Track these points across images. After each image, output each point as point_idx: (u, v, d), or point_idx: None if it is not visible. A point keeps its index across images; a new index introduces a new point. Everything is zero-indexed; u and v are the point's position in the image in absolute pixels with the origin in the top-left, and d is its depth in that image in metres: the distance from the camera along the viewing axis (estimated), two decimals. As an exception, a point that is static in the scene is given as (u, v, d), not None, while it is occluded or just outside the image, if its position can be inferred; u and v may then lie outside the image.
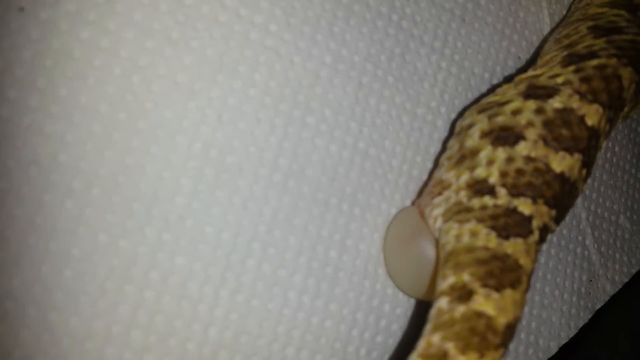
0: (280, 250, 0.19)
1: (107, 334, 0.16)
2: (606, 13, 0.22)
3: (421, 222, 0.20)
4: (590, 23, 0.21)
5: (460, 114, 0.22)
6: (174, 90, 0.17)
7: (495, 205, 0.18)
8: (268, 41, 0.19)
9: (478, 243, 0.17)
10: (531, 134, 0.18)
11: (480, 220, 0.18)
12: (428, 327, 0.16)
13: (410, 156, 0.21)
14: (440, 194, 0.19)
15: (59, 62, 0.16)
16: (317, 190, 0.19)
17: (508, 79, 0.24)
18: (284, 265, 0.19)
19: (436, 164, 0.22)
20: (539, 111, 0.18)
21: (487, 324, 0.16)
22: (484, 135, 0.19)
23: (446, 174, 0.19)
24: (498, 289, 0.16)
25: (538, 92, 0.19)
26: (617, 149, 0.28)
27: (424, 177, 0.22)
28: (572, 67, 0.19)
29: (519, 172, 0.18)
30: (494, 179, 0.18)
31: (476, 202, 0.18)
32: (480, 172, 0.18)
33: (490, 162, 0.18)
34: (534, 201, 0.18)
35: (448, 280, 0.17)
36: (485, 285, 0.16)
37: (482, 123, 0.19)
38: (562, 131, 0.18)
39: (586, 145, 0.18)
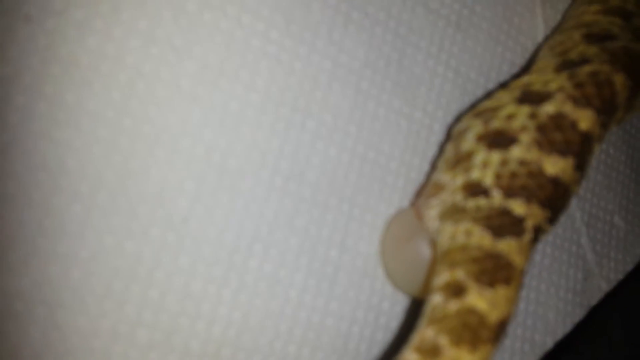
0: (282, 251, 0.19)
1: (114, 332, 0.17)
2: (600, 20, 0.22)
3: (418, 223, 0.20)
4: (584, 30, 0.21)
5: (457, 118, 0.23)
6: (178, 96, 0.18)
7: (490, 206, 0.18)
8: (269, 47, 0.19)
9: (472, 242, 0.18)
10: (525, 137, 0.19)
11: (474, 221, 0.18)
12: (422, 321, 0.17)
13: (408, 159, 0.22)
14: (436, 195, 0.20)
15: (66, 70, 0.16)
16: (317, 192, 0.20)
17: (503, 84, 0.24)
18: (285, 265, 0.19)
19: (431, 166, 0.22)
20: (533, 116, 0.19)
21: (480, 319, 0.16)
22: (480, 138, 0.19)
23: (442, 176, 0.20)
24: (491, 285, 0.17)
25: (532, 98, 0.19)
26: (611, 150, 0.29)
27: (422, 179, 0.22)
28: (565, 73, 0.20)
29: (513, 174, 0.18)
30: (488, 181, 0.18)
31: (471, 203, 0.18)
32: (475, 175, 0.19)
33: (485, 165, 0.19)
34: (528, 202, 0.18)
35: (442, 277, 0.17)
36: (478, 282, 0.17)
37: (477, 127, 0.20)
38: (555, 135, 0.18)
39: (579, 149, 0.19)
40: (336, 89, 0.20)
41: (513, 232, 0.18)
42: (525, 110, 0.19)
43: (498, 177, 0.18)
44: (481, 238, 0.18)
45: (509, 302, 0.17)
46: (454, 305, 0.17)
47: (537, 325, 0.25)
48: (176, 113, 0.18)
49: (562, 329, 0.25)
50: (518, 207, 0.18)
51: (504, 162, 0.18)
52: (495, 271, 0.17)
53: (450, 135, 0.21)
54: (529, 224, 0.18)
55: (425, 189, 0.20)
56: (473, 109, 0.21)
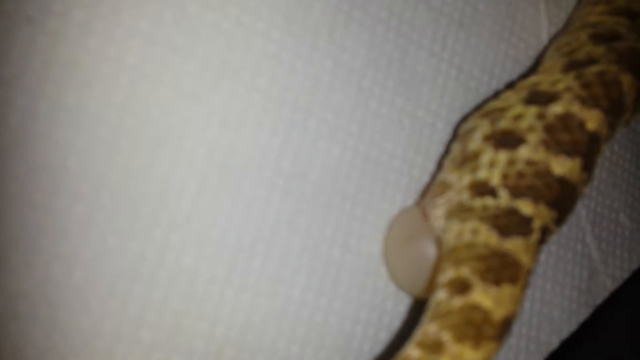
0: (284, 251, 0.19)
1: (117, 332, 0.17)
2: (606, 21, 0.22)
3: (422, 222, 0.20)
4: (591, 31, 0.21)
5: (462, 116, 0.23)
6: (179, 97, 0.18)
7: (497, 206, 0.18)
8: (270, 47, 0.19)
9: (479, 240, 0.18)
10: (532, 138, 0.19)
11: (481, 220, 0.18)
12: (425, 317, 0.17)
13: (411, 157, 0.22)
14: (442, 194, 0.20)
15: (67, 71, 0.16)
16: (320, 192, 0.20)
17: (506, 81, 0.24)
18: (287, 265, 0.19)
19: (438, 165, 0.22)
20: (540, 116, 0.19)
21: (484, 316, 0.16)
22: (486, 138, 0.19)
23: (448, 175, 0.20)
24: (496, 283, 0.17)
25: (539, 98, 0.19)
26: (616, 147, 0.28)
27: (425, 177, 0.22)
28: (572, 74, 0.20)
29: (520, 174, 0.18)
30: (495, 180, 0.18)
31: (478, 203, 0.18)
32: (482, 174, 0.19)
33: (492, 165, 0.19)
34: (535, 202, 0.18)
35: (447, 274, 0.17)
36: (483, 280, 0.17)
37: (484, 127, 0.20)
38: (562, 135, 0.18)
39: (586, 149, 0.19)
40: (338, 88, 0.20)
41: (520, 232, 0.18)
42: (532, 110, 0.19)
43: (505, 177, 0.18)
44: (488, 236, 0.18)
45: (514, 301, 0.17)
46: (458, 302, 0.17)
47: (542, 324, 0.24)
48: (178, 113, 0.18)
49: (567, 328, 0.25)
50: (525, 207, 0.18)
51: (511, 162, 0.18)
52: (501, 269, 0.17)
53: (457, 134, 0.21)
54: (536, 224, 0.18)
55: (431, 188, 0.20)
56: (480, 109, 0.21)
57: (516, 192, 0.18)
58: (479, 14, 0.24)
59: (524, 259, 0.18)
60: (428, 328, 0.16)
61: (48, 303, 0.16)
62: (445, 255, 0.18)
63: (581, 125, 0.19)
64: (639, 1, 0.23)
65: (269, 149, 0.19)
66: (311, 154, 0.20)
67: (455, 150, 0.20)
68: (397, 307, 0.21)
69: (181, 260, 0.18)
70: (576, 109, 0.19)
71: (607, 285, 0.27)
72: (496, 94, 0.24)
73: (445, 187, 0.20)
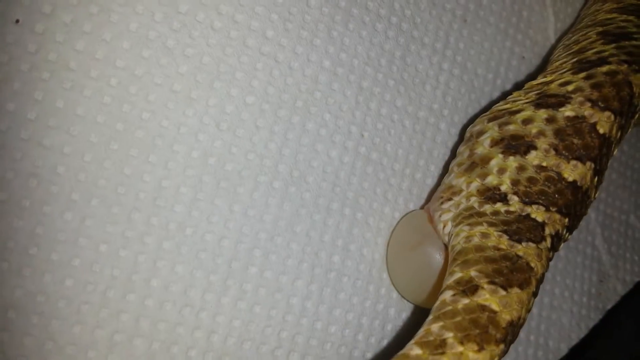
0: (282, 257, 0.19)
1: (110, 342, 0.17)
2: (615, 19, 0.22)
3: (428, 227, 0.19)
4: (600, 29, 0.21)
5: (464, 116, 0.22)
6: (171, 99, 0.17)
7: (508, 212, 0.18)
8: (265, 47, 0.19)
9: (489, 243, 0.17)
10: (542, 143, 0.18)
11: (491, 224, 0.18)
12: (430, 317, 0.16)
13: (413, 159, 0.21)
14: (450, 199, 0.19)
15: (56, 74, 0.16)
16: (319, 196, 0.19)
17: (512, 80, 0.23)
18: (286, 272, 0.19)
19: (443, 168, 0.22)
20: (550, 120, 0.19)
21: (490, 317, 0.16)
22: (495, 143, 0.19)
23: (456, 180, 0.19)
24: (505, 287, 0.16)
25: (549, 101, 0.19)
26: (626, 147, 0.28)
27: (428, 180, 0.21)
28: (582, 74, 0.19)
29: (531, 180, 0.18)
30: (505, 187, 0.18)
31: (488, 208, 0.18)
32: (491, 180, 0.18)
33: (501, 171, 0.18)
34: (547, 209, 0.18)
35: (454, 276, 0.17)
36: (492, 283, 0.16)
37: (492, 131, 0.19)
38: (573, 140, 0.18)
39: (598, 153, 0.18)
40: (336, 89, 0.20)
41: (532, 237, 0.17)
42: (542, 114, 0.19)
43: (515, 183, 0.18)
44: (499, 241, 0.17)
45: (522, 305, 0.17)
46: (463, 302, 0.16)
47: (550, 331, 0.24)
48: (170, 117, 0.17)
49: (576, 334, 0.25)
50: (537, 213, 0.18)
51: (521, 168, 0.18)
52: (511, 273, 0.17)
53: (464, 137, 0.20)
54: (548, 230, 0.18)
55: (438, 193, 0.20)
56: (488, 111, 0.20)
57: (528, 199, 0.18)
58: (483, 10, 0.23)
59: (535, 264, 0.17)
60: (431, 327, 0.16)
61: (40, 313, 0.16)
62: (453, 258, 0.18)
63: (592, 128, 0.18)
64: None
65: (266, 152, 0.19)
66: (310, 158, 0.19)
67: (462, 153, 0.20)
68: (401, 314, 0.21)
69: (175, 268, 0.17)
70: (587, 111, 0.18)
71: (617, 289, 0.26)
72: (501, 93, 0.23)
73: (453, 191, 0.19)
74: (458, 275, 0.17)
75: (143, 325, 0.17)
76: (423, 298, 0.19)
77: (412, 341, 0.16)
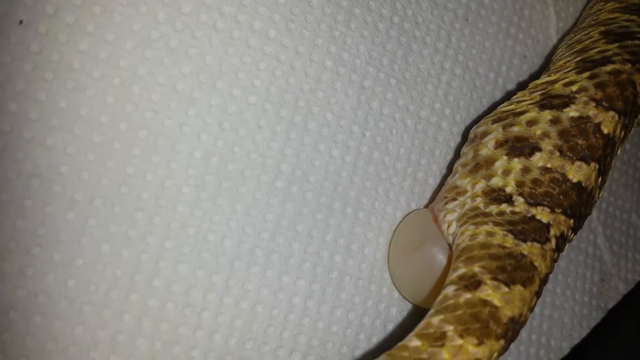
0: (284, 257, 0.19)
1: (113, 342, 0.16)
2: (618, 18, 0.22)
3: (432, 226, 0.19)
4: (602, 28, 0.21)
5: (466, 116, 0.22)
6: (174, 99, 0.17)
7: (513, 212, 0.18)
8: (268, 47, 0.19)
9: (494, 241, 0.17)
10: (547, 144, 0.18)
11: (497, 224, 0.18)
12: (431, 311, 0.16)
13: (415, 159, 0.21)
14: (454, 199, 0.19)
15: (59, 74, 0.16)
16: (321, 196, 0.19)
17: (514, 79, 0.23)
18: (288, 272, 0.19)
19: (446, 167, 0.22)
20: (555, 121, 0.19)
21: (491, 312, 0.16)
22: (499, 145, 0.19)
23: (461, 180, 0.19)
24: (508, 283, 0.16)
25: (554, 102, 0.19)
26: (628, 146, 0.28)
27: (430, 179, 0.21)
28: (586, 74, 0.19)
29: (536, 182, 0.18)
30: (510, 188, 0.18)
31: (494, 209, 0.18)
32: (496, 182, 0.18)
33: (506, 172, 0.18)
34: (552, 210, 0.18)
35: (458, 272, 0.17)
36: (495, 279, 0.16)
37: (496, 133, 0.19)
38: (578, 141, 0.18)
39: (602, 153, 0.18)
40: (338, 88, 0.20)
41: (537, 238, 0.18)
42: (546, 115, 0.19)
43: (520, 184, 0.18)
44: (504, 239, 0.17)
45: (524, 303, 0.17)
46: (465, 296, 0.16)
47: (552, 330, 0.24)
48: (173, 116, 0.17)
49: (578, 333, 0.25)
50: (542, 215, 0.18)
51: (525, 170, 0.18)
52: (515, 271, 0.17)
53: (468, 138, 0.20)
54: (553, 232, 0.18)
55: (442, 193, 0.20)
56: (492, 112, 0.20)
57: (533, 200, 0.18)
58: (485, 10, 0.23)
59: (540, 263, 0.17)
60: (431, 320, 0.16)
61: (42, 313, 0.16)
62: (457, 255, 0.18)
63: (597, 128, 0.18)
64: None
65: (268, 151, 0.19)
66: (312, 157, 0.19)
67: (466, 154, 0.20)
68: (402, 314, 0.21)
69: (178, 268, 0.17)
70: (592, 111, 0.18)
71: (619, 288, 0.26)
72: (503, 92, 0.23)
73: (457, 192, 0.19)
74: (462, 270, 0.17)
75: (145, 325, 0.17)
76: (425, 299, 0.19)
77: (412, 333, 0.16)
